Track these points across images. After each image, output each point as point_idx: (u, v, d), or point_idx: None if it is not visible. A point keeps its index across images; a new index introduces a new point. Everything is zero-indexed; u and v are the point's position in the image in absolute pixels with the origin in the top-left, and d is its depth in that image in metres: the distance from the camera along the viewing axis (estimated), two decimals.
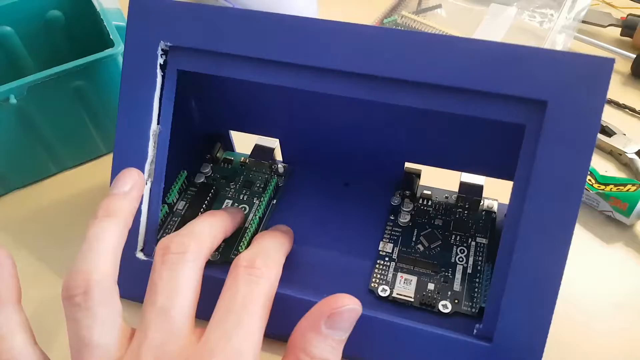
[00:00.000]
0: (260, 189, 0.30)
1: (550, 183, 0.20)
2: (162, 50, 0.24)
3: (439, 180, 0.29)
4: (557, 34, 0.38)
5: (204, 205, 0.29)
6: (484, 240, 0.27)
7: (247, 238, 0.27)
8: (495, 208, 0.28)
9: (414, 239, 0.27)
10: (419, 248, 0.27)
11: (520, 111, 0.21)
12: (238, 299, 0.19)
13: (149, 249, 0.25)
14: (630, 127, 0.35)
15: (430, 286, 0.25)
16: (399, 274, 0.25)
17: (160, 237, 0.28)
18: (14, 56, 0.35)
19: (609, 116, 0.36)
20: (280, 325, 0.24)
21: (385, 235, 0.27)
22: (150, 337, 0.18)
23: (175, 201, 0.29)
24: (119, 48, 0.29)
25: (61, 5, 0.34)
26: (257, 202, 0.29)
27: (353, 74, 0.22)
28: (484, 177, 0.28)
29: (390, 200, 0.29)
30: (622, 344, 0.25)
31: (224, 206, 0.29)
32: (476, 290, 0.25)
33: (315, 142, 0.29)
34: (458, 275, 0.25)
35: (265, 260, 0.20)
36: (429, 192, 0.29)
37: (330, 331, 0.18)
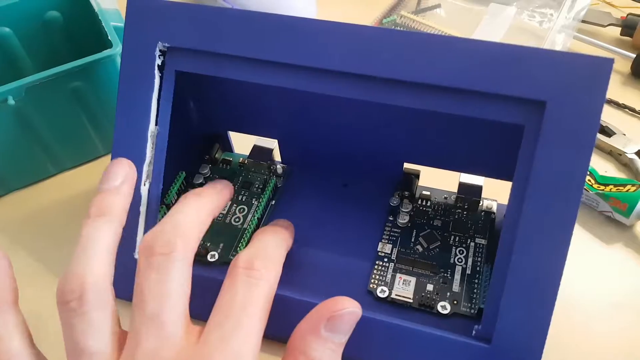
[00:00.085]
0: (259, 190, 0.30)
1: (549, 183, 0.20)
2: (160, 51, 0.24)
3: (438, 180, 0.29)
4: (556, 34, 0.38)
5: None
6: (483, 241, 0.27)
7: (246, 239, 0.27)
8: (494, 209, 0.28)
9: (412, 240, 0.27)
10: (417, 249, 0.26)
11: (519, 112, 0.20)
12: (237, 301, 0.18)
13: None
14: (630, 127, 0.35)
15: (429, 287, 0.25)
16: (398, 275, 0.25)
17: None
18: (13, 57, 0.35)
19: (609, 116, 0.35)
20: (279, 326, 0.24)
21: (384, 236, 0.27)
22: (144, 344, 0.17)
23: (173, 202, 0.29)
24: (117, 49, 0.29)
25: (59, 6, 0.34)
26: (256, 203, 0.29)
27: (351, 74, 0.22)
28: (483, 177, 0.28)
29: (389, 200, 0.29)
30: (621, 344, 0.25)
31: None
32: (475, 291, 0.25)
33: (314, 142, 0.29)
34: (457, 276, 0.25)
35: (265, 260, 0.20)
36: (428, 193, 0.29)
37: (330, 334, 0.18)
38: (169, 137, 0.25)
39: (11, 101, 0.27)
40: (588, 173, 0.30)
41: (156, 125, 0.25)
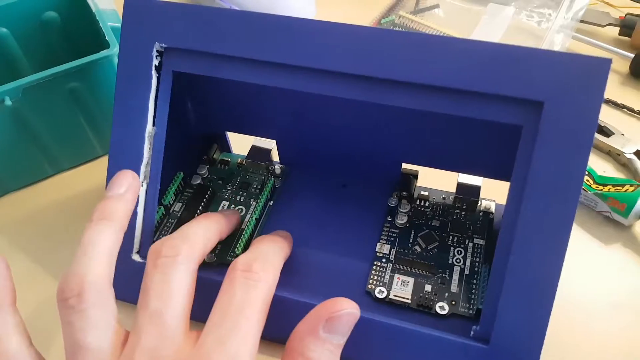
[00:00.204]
0: (257, 191, 0.30)
1: (547, 184, 0.20)
2: (157, 51, 0.24)
3: (436, 181, 0.29)
4: (555, 34, 0.38)
5: (200, 207, 0.28)
6: (481, 242, 0.27)
7: (244, 240, 0.27)
8: (492, 209, 0.28)
9: (411, 240, 0.27)
10: (416, 249, 0.26)
11: (517, 112, 0.20)
12: (235, 303, 0.18)
13: (144, 251, 0.25)
14: (628, 127, 0.35)
15: (428, 287, 0.25)
16: (396, 276, 0.25)
17: (157, 239, 0.27)
18: (10, 57, 0.35)
19: (607, 116, 0.35)
20: (277, 327, 0.24)
21: (382, 237, 0.27)
22: (144, 341, 0.18)
23: (171, 203, 0.29)
24: (114, 49, 0.29)
25: (57, 6, 0.34)
26: (254, 203, 0.29)
27: (350, 75, 0.22)
28: (482, 177, 0.28)
29: (388, 201, 0.28)
30: (620, 344, 0.25)
31: (220, 208, 0.29)
32: (473, 291, 0.25)
33: (312, 143, 0.29)
34: (455, 277, 0.25)
35: (263, 264, 0.20)
36: (426, 193, 0.29)
37: (329, 335, 0.18)
38: (166, 138, 0.25)
39: (8, 102, 0.27)
40: (586, 173, 0.30)
41: (153, 125, 0.25)
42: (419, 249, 0.26)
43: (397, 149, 0.28)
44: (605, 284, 0.27)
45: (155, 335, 0.18)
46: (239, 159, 0.31)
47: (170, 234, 0.27)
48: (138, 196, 0.24)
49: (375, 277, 0.25)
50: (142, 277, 0.25)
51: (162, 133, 0.25)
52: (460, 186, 0.28)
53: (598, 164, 0.33)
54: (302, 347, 0.18)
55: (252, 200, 0.29)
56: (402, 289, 0.25)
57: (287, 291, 0.23)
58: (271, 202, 0.29)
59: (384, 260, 0.26)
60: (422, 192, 0.29)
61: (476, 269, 0.25)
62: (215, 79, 0.24)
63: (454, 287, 0.25)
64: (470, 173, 0.28)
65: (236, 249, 0.26)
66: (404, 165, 0.29)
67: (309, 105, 0.27)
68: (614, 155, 0.33)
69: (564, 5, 0.38)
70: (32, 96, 0.28)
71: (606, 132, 0.34)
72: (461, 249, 0.26)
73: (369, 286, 0.25)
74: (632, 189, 0.29)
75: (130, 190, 0.23)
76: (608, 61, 0.19)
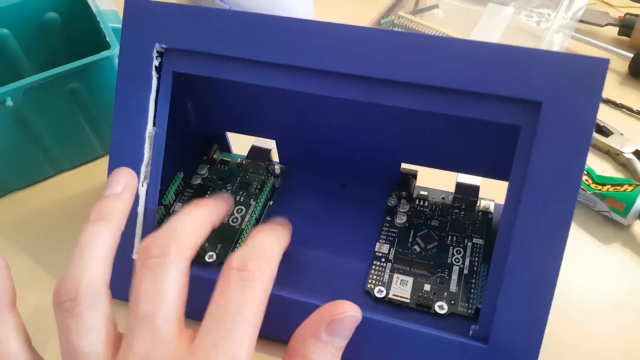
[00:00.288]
0: (257, 191, 0.30)
1: (545, 183, 0.20)
2: (157, 52, 0.24)
3: (435, 181, 0.29)
4: (554, 34, 0.38)
5: None
6: (480, 241, 0.27)
7: (244, 240, 0.27)
8: (491, 209, 0.28)
9: (410, 240, 0.27)
10: (415, 249, 0.27)
11: (515, 112, 0.21)
12: (231, 305, 0.18)
13: None
14: (627, 126, 0.35)
15: (427, 287, 0.25)
16: (395, 275, 0.25)
17: None
18: (11, 58, 0.35)
19: (606, 116, 0.36)
20: (277, 327, 0.24)
21: (381, 236, 0.27)
22: (136, 346, 0.17)
23: (171, 203, 0.29)
24: (115, 50, 0.29)
25: (58, 7, 0.34)
26: (254, 203, 0.29)
27: (349, 75, 0.22)
28: (481, 177, 0.28)
29: (387, 201, 0.29)
30: (619, 344, 0.25)
31: None
32: (472, 291, 0.25)
33: (312, 143, 0.29)
34: (454, 276, 0.25)
35: (259, 261, 0.20)
36: (426, 193, 0.29)
37: (330, 338, 0.18)
38: (166, 138, 0.25)
39: (9, 102, 0.27)
40: (586, 173, 0.30)
41: (154, 126, 0.25)
42: (418, 249, 0.27)
43: (396, 149, 0.28)
44: (604, 283, 0.27)
45: (147, 339, 0.17)
46: (239, 159, 0.31)
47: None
48: (137, 194, 0.24)
49: (375, 277, 0.25)
50: None
51: (163, 133, 0.25)
52: (460, 186, 0.28)
53: (597, 164, 0.33)
54: (304, 349, 0.18)
55: (251, 200, 0.29)
56: (401, 288, 0.25)
57: (287, 291, 0.23)
58: (271, 202, 0.29)
59: (383, 259, 0.26)
60: (421, 192, 0.29)
61: (475, 268, 0.26)
62: (215, 80, 0.24)
63: (453, 287, 0.25)
64: (469, 173, 0.28)
65: (236, 250, 0.27)
66: (403, 165, 0.29)
67: (308, 105, 0.27)
68: (613, 155, 0.33)
69: (563, 5, 0.38)
70: (33, 97, 0.28)
71: (605, 131, 0.34)
72: (460, 249, 0.26)
73: (368, 285, 0.25)
74: (631, 188, 0.29)
75: (128, 188, 0.22)
76: (606, 61, 0.19)
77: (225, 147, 0.32)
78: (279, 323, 0.24)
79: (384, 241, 0.27)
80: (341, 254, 0.27)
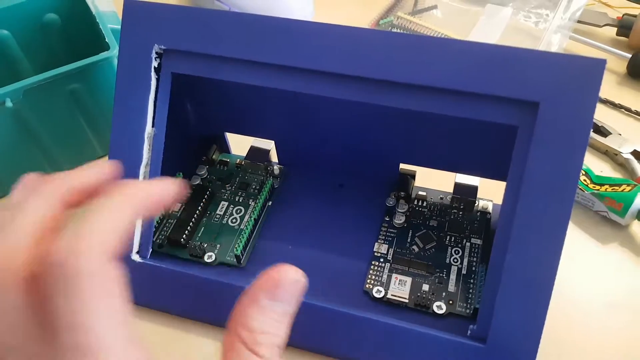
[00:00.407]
0: (256, 191, 0.30)
1: (543, 183, 0.20)
2: (156, 53, 0.24)
3: (433, 181, 0.29)
4: (552, 34, 0.38)
5: (199, 207, 0.29)
6: (478, 241, 0.27)
7: (243, 240, 0.27)
8: (490, 209, 0.28)
9: (408, 240, 0.27)
10: (413, 249, 0.27)
11: (513, 112, 0.21)
12: None
13: (144, 251, 0.25)
14: (625, 127, 0.35)
15: (425, 287, 0.25)
16: (394, 275, 0.26)
17: (156, 240, 0.28)
18: (11, 59, 0.35)
19: (605, 116, 0.36)
20: None
21: (380, 236, 0.27)
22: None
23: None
24: (114, 51, 0.29)
25: (58, 9, 0.34)
26: (253, 203, 0.29)
27: (347, 76, 0.22)
28: (479, 178, 0.28)
29: (385, 201, 0.29)
30: (618, 343, 0.25)
31: (219, 208, 0.29)
32: (471, 291, 0.25)
33: (311, 143, 0.29)
34: (453, 276, 0.25)
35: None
36: (424, 193, 0.29)
37: (271, 303, 0.17)
38: (165, 139, 0.25)
39: (9, 103, 0.28)
40: (584, 173, 0.30)
41: (153, 126, 0.25)
42: (416, 249, 0.27)
43: (394, 150, 0.28)
44: (602, 283, 0.27)
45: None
46: (238, 160, 0.31)
47: (169, 234, 0.28)
48: None
49: (373, 277, 0.26)
50: (141, 277, 0.25)
51: (162, 134, 0.25)
52: (458, 186, 0.28)
53: (595, 164, 0.33)
54: (244, 317, 0.16)
55: (250, 200, 0.29)
56: (400, 288, 0.25)
57: None
58: (270, 202, 0.29)
59: (381, 260, 0.26)
60: (420, 192, 0.29)
61: (473, 268, 0.26)
62: (214, 81, 0.24)
63: (451, 287, 0.25)
64: (467, 173, 0.28)
65: (235, 249, 0.27)
66: (402, 166, 0.29)
67: (307, 106, 0.27)
68: (611, 155, 0.33)
69: (562, 6, 0.38)
70: (33, 97, 0.28)
71: (603, 132, 0.34)
72: (459, 249, 0.26)
73: (367, 286, 0.25)
74: (629, 188, 0.29)
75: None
76: (603, 62, 0.19)
77: (225, 148, 0.32)
78: None
79: (382, 241, 0.27)
80: (340, 254, 0.27)
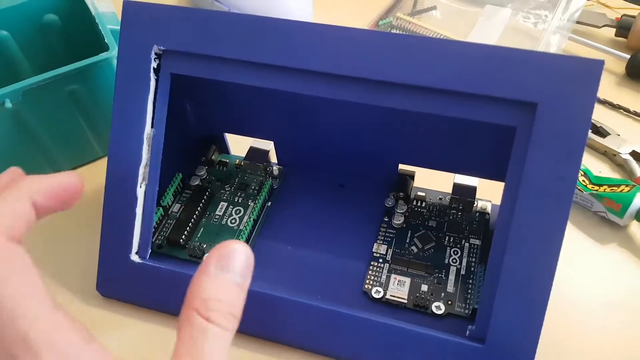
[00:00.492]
0: (255, 192, 0.30)
1: (541, 184, 0.20)
2: (156, 54, 0.24)
3: (432, 181, 0.29)
4: (551, 35, 0.38)
5: (198, 208, 0.29)
6: (477, 242, 0.27)
7: (242, 240, 0.27)
8: (488, 209, 0.28)
9: (407, 241, 0.27)
10: (412, 249, 0.27)
11: (511, 113, 0.21)
12: None
13: (143, 252, 0.25)
14: (624, 127, 0.35)
15: (424, 287, 0.25)
16: (393, 276, 0.26)
17: (155, 240, 0.28)
18: (11, 60, 0.35)
19: (603, 116, 0.36)
20: (275, 328, 0.24)
21: (379, 237, 0.27)
22: None
23: (170, 204, 0.29)
24: (114, 52, 0.29)
25: (57, 9, 0.34)
26: (252, 204, 0.29)
27: (346, 77, 0.22)
28: (478, 178, 0.28)
29: (384, 201, 0.29)
30: (616, 343, 0.25)
31: (219, 209, 0.29)
32: (469, 291, 0.25)
33: (310, 144, 0.29)
34: (451, 277, 0.25)
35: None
36: (423, 194, 0.29)
37: (220, 272, 0.17)
38: (165, 139, 0.25)
39: (8, 104, 0.28)
40: (582, 173, 0.30)
41: (152, 127, 0.25)
42: (415, 249, 0.27)
43: (393, 150, 0.28)
44: (601, 283, 0.27)
45: None
46: (237, 160, 0.31)
47: (169, 235, 0.28)
48: (135, 196, 0.24)
49: (372, 277, 0.26)
50: (140, 277, 0.25)
51: (161, 135, 0.25)
52: (457, 187, 0.28)
53: (594, 165, 0.33)
54: (196, 287, 0.17)
55: (250, 201, 0.29)
56: (399, 289, 0.25)
57: (284, 291, 0.23)
58: (269, 203, 0.30)
59: (380, 260, 0.26)
60: (419, 193, 0.29)
61: (472, 269, 0.26)
62: (214, 81, 0.24)
63: (450, 287, 0.25)
64: (466, 174, 0.28)
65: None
66: (401, 166, 0.29)
67: (306, 106, 0.27)
68: (609, 156, 0.33)
69: (560, 7, 0.38)
70: (33, 98, 0.28)
71: (602, 132, 0.34)
72: (457, 249, 0.26)
73: (366, 286, 0.25)
74: (627, 189, 0.29)
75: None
76: (601, 62, 0.19)
77: (224, 149, 0.32)
78: (276, 324, 0.24)
79: (381, 242, 0.27)
80: (339, 254, 0.27)
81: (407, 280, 0.25)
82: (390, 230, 0.28)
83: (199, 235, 0.28)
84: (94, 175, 0.34)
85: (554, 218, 0.20)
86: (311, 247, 0.27)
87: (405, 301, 0.25)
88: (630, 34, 0.40)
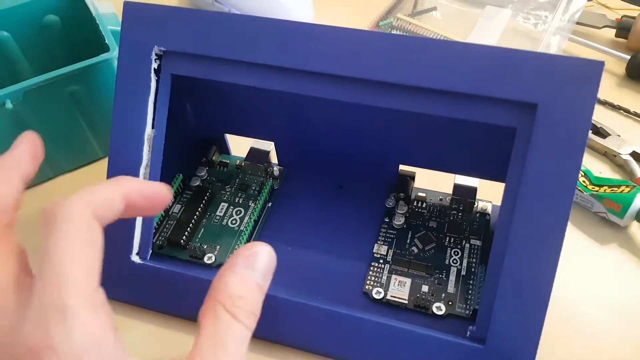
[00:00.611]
0: (256, 192, 0.30)
1: (541, 185, 0.20)
2: (156, 54, 0.24)
3: (433, 182, 0.29)
4: (551, 36, 0.38)
5: (199, 209, 0.29)
6: (477, 242, 0.27)
7: (243, 241, 0.27)
8: (489, 210, 0.28)
9: (408, 241, 0.27)
10: (413, 250, 0.27)
11: (511, 114, 0.21)
12: None
13: (144, 253, 0.25)
14: (624, 128, 0.35)
15: (424, 288, 0.25)
16: (393, 276, 0.26)
17: (156, 241, 0.28)
18: (11, 61, 0.35)
19: (604, 117, 0.36)
20: (275, 328, 0.24)
21: (379, 238, 0.27)
22: None
23: (170, 205, 0.29)
24: (114, 53, 0.29)
25: (58, 10, 0.34)
26: (253, 205, 0.29)
27: (346, 77, 0.22)
28: (478, 179, 0.28)
29: (385, 202, 0.29)
30: (616, 344, 0.25)
31: (219, 209, 0.29)
32: (470, 292, 0.25)
33: (310, 144, 0.30)
34: (452, 277, 0.25)
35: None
36: (424, 195, 0.29)
37: (248, 271, 0.18)
38: (165, 140, 0.25)
39: (9, 105, 0.28)
40: (583, 174, 0.30)
41: (153, 128, 0.25)
42: (416, 250, 0.27)
43: (394, 151, 0.28)
44: (601, 284, 0.27)
45: None
46: (238, 161, 0.31)
47: (169, 235, 0.28)
48: None
49: (373, 278, 0.26)
50: (140, 278, 0.25)
51: (161, 135, 0.25)
52: (457, 187, 0.28)
53: (594, 165, 0.33)
54: (223, 283, 0.17)
55: (250, 201, 0.29)
56: (399, 289, 0.25)
57: (285, 292, 0.23)
58: (269, 204, 0.30)
59: (381, 261, 0.26)
60: (419, 194, 0.29)
61: (473, 269, 0.26)
62: (214, 82, 0.24)
63: (450, 288, 0.25)
64: (466, 174, 0.28)
65: (235, 250, 0.27)
66: (401, 167, 0.29)
67: (306, 107, 0.27)
68: (610, 157, 0.33)
69: (561, 8, 0.38)
70: (33, 99, 0.28)
71: (602, 133, 0.34)
72: (458, 250, 0.27)
73: (367, 287, 0.25)
74: (627, 190, 0.29)
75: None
76: (601, 63, 0.19)
77: (224, 149, 0.32)
78: (277, 324, 0.24)
79: (382, 242, 0.27)
80: (339, 255, 0.27)
81: (408, 280, 0.25)
82: (391, 231, 0.28)
83: (199, 236, 0.28)
84: (94, 176, 0.34)
85: (554, 219, 0.20)
86: (312, 248, 0.27)
87: (406, 302, 0.25)
88: (631, 34, 0.40)
